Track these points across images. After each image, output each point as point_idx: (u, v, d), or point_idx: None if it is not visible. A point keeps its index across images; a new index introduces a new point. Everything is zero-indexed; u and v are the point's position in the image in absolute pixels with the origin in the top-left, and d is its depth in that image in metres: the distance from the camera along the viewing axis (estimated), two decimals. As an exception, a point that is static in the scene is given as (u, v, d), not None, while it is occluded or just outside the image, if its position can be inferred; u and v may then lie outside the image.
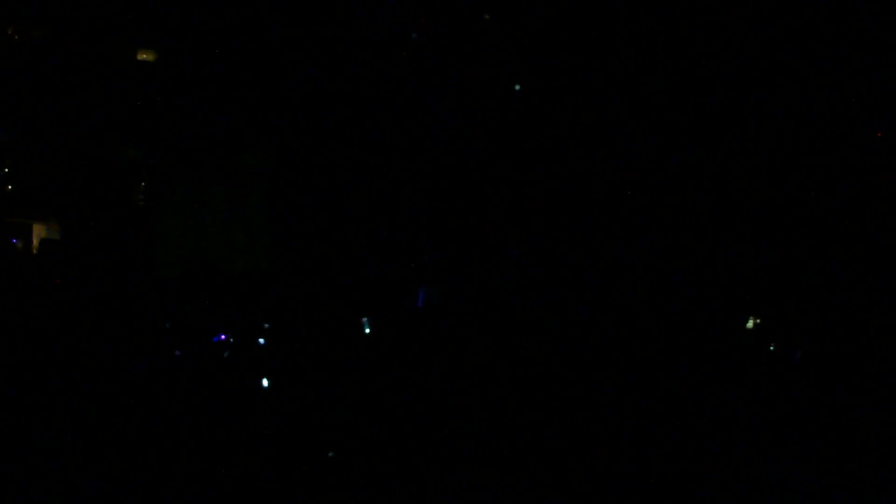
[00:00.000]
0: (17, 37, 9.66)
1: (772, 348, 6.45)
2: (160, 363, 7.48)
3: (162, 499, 5.78)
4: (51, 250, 9.68)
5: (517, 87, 8.66)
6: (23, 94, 10.00)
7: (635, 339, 7.06)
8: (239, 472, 6.07)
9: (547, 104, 8.60)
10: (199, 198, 10.69)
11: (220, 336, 8.06)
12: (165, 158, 10.83)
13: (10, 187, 10.37)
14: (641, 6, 8.10)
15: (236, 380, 6.93)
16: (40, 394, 6.62)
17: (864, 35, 6.75)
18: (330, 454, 5.63)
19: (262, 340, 8.18)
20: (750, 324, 7.75)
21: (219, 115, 10.52)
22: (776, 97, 7.31)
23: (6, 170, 10.33)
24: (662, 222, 8.06)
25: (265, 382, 5.76)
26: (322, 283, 9.89)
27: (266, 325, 8.34)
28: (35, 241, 9.98)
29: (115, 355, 7.42)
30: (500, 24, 8.75)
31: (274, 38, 9.75)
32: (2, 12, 9.48)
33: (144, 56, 10.86)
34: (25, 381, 6.80)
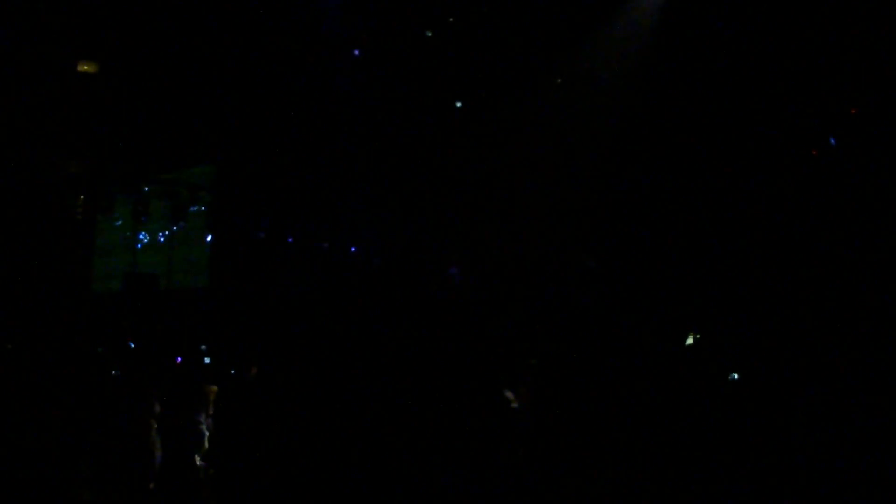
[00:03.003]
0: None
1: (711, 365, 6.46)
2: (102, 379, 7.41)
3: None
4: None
5: (458, 105, 8.70)
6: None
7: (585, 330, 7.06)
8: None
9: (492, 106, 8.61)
10: (139, 212, 10.60)
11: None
12: (105, 172, 10.72)
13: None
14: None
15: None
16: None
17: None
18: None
19: (207, 360, 8.08)
20: (690, 340, 7.76)
21: (160, 129, 10.44)
22: (707, 104, 7.35)
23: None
24: (604, 220, 8.09)
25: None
26: (263, 298, 9.83)
27: (203, 347, 8.26)
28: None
29: (54, 369, 7.31)
30: (443, 38, 8.79)
31: (217, 54, 9.71)
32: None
33: (85, 68, 10.72)
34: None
